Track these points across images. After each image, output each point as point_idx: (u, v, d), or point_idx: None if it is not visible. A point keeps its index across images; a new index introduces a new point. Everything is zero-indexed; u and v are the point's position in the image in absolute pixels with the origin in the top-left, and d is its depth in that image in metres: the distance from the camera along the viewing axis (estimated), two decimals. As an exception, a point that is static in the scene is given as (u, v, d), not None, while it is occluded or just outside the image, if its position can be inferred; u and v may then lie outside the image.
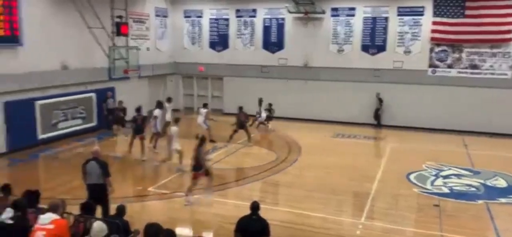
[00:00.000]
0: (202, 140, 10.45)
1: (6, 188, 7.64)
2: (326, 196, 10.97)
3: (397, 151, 15.72)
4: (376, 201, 10.78)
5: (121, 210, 7.00)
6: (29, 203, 6.58)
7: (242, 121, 16.19)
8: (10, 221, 5.79)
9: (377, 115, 19.60)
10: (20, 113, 14.46)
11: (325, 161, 14.15)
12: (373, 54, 19.90)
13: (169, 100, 16.64)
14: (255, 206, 6.64)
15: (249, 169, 13.03)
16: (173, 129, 12.90)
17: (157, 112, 14.87)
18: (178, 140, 12.80)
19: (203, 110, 16.67)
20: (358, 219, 9.59)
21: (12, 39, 13.80)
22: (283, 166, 13.53)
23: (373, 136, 18.40)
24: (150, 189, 11.35)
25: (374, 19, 19.76)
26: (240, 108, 16.54)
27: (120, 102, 17.10)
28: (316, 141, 16.98)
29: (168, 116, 16.07)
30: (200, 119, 16.48)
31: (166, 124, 16.05)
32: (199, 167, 10.26)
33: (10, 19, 13.62)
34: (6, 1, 13.41)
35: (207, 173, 10.49)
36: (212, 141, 15.53)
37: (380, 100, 19.45)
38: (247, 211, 6.67)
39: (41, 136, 15.35)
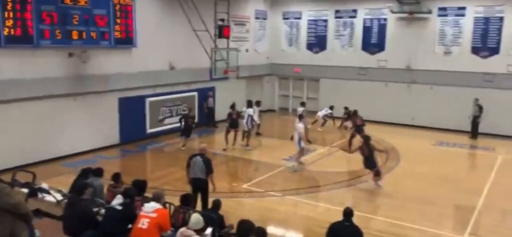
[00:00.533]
0: (368, 138, 11.41)
1: (117, 177, 8.44)
2: (425, 207, 10.34)
3: (510, 163, 14.26)
4: (483, 216, 9.93)
5: (216, 204, 7.33)
6: (136, 192, 7.19)
7: (359, 125, 15.48)
8: (120, 207, 6.37)
9: (475, 123, 17.81)
10: (132, 109, 15.84)
11: (426, 170, 13.32)
12: (484, 57, 18.28)
13: (258, 103, 17.05)
14: (348, 212, 6.47)
15: (343, 173, 12.78)
16: (299, 125, 13.05)
17: (249, 111, 15.68)
18: (304, 137, 13.07)
19: (300, 109, 16.85)
20: (460, 234, 8.91)
21: (127, 41, 15.15)
22: (379, 172, 13.04)
23: (481, 146, 16.85)
24: (244, 186, 11.72)
25: (486, 19, 18.13)
26: (355, 112, 16.26)
27: (190, 109, 16.60)
28: (417, 149, 16.06)
29: (256, 118, 16.41)
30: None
31: (257, 126, 16.59)
32: (373, 165, 11.15)
33: (126, 22, 14.99)
34: (123, 6, 14.79)
35: (377, 173, 11.26)
36: (308, 141, 15.58)
37: (480, 108, 17.52)
38: (339, 216, 6.57)
39: (149, 130, 16.67)
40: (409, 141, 16.91)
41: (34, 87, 12.74)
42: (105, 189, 8.23)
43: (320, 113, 19.04)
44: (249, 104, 16.16)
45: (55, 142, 13.50)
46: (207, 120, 18.75)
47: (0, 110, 11.65)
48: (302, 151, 13.14)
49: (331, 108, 19.03)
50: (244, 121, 15.55)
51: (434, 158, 15.12)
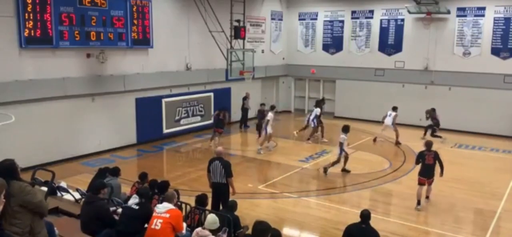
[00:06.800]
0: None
1: (143, 176, 8.50)
2: (444, 211, 10.17)
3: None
4: (504, 221, 9.72)
5: (232, 205, 7.33)
6: (154, 192, 7.24)
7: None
8: (136, 207, 6.41)
9: None
10: (149, 109, 15.97)
11: (445, 173, 13.07)
12: (504, 58, 17.93)
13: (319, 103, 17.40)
14: (365, 215, 6.39)
15: (360, 175, 12.65)
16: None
17: (317, 110, 16.49)
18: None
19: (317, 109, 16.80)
20: (480, 239, 8.75)
21: (144, 41, 15.26)
22: (397, 175, 12.87)
23: (502, 148, 16.49)
24: (260, 187, 11.69)
25: (507, 19, 17.77)
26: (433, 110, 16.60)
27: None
28: (435, 151, 15.79)
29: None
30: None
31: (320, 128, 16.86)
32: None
33: (143, 23, 15.11)
34: (139, 7, 14.92)
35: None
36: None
37: None
38: (355, 218, 6.50)
39: (165, 130, 16.78)
40: (427, 143, 16.61)
41: (54, 87, 12.96)
42: (122, 188, 8.30)
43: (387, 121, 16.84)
44: (317, 104, 17.12)
45: (74, 141, 13.69)
46: (242, 120, 19.04)
47: (21, 110, 11.84)
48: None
49: (394, 109, 16.97)
50: (310, 118, 16.64)
51: (453, 161, 14.78)
